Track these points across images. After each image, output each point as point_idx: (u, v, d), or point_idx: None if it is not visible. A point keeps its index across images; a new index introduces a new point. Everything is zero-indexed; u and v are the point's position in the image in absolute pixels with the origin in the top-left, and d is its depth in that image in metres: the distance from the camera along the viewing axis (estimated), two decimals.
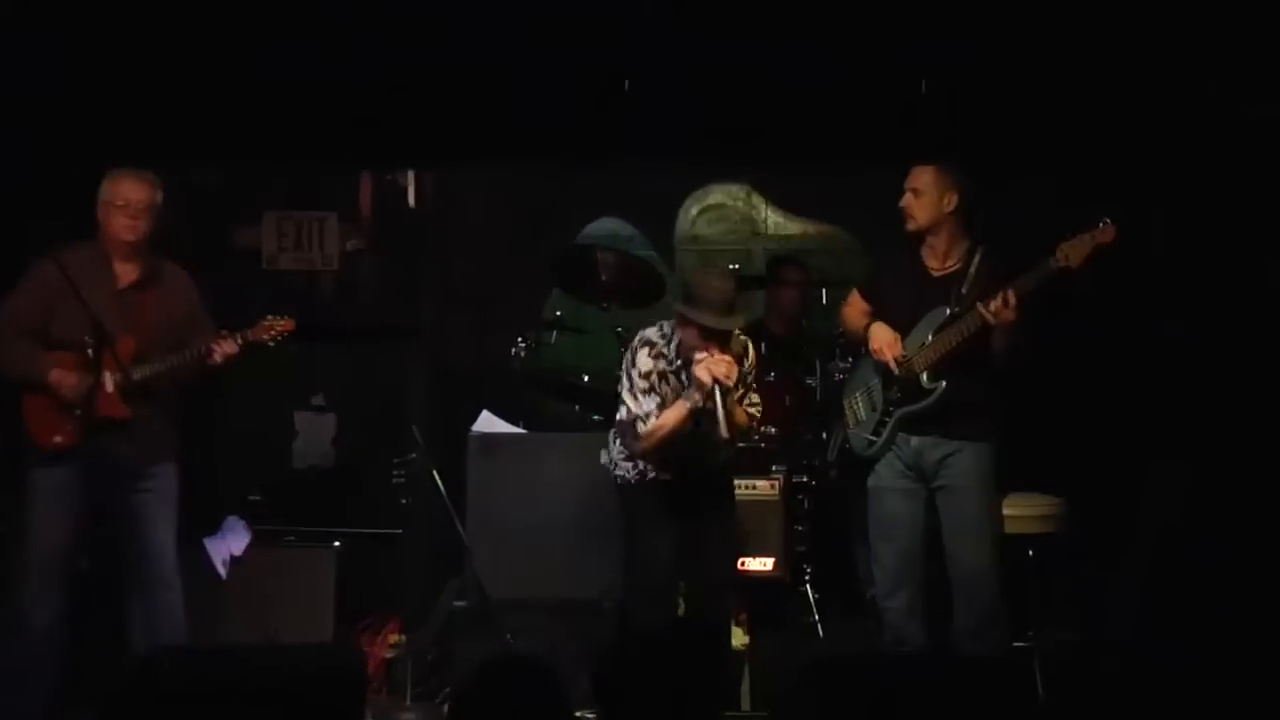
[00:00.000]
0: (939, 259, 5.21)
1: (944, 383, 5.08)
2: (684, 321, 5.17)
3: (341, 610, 5.89)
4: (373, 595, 6.13)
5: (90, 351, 4.97)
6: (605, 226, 8.13)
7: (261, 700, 3.46)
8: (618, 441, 5.33)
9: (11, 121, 5.77)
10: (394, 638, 5.89)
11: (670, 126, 6.15)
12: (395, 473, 6.69)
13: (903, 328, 5.18)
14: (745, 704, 5.54)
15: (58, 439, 5.03)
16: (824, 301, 6.92)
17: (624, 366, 5.28)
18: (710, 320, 5.09)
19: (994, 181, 5.63)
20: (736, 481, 5.63)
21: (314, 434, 7.06)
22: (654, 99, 6.08)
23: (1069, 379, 6.08)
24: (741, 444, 5.63)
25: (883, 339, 5.18)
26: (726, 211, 8.55)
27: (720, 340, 5.12)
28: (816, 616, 6.27)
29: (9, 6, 5.66)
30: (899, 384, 5.17)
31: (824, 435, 6.17)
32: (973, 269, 5.13)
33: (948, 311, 5.10)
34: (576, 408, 6.66)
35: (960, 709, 3.52)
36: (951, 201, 5.16)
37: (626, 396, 5.22)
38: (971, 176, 5.21)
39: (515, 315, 7.24)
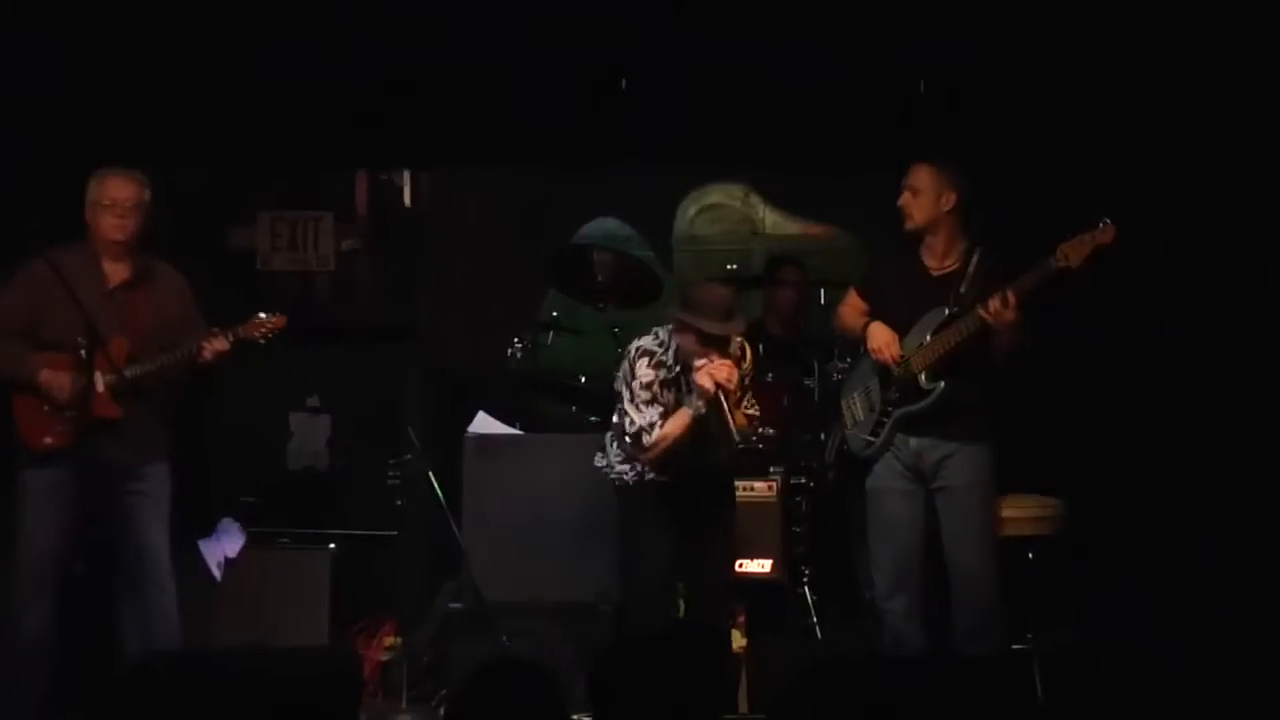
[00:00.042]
0: (937, 259, 5.19)
1: (942, 383, 5.06)
2: (682, 327, 5.13)
3: (336, 612, 5.87)
4: (368, 597, 6.10)
5: (83, 352, 4.94)
6: (603, 226, 8.12)
7: (256, 704, 3.45)
8: (614, 445, 5.30)
9: (11, 121, 5.75)
10: (389, 640, 5.86)
11: (668, 126, 6.16)
12: (391, 474, 6.66)
13: (901, 328, 5.16)
14: (743, 706, 5.50)
15: (48, 440, 5.00)
16: (822, 302, 6.89)
17: (622, 378, 5.24)
18: (710, 326, 5.06)
19: (993, 181, 5.63)
20: (734, 483, 5.59)
21: (309, 435, 7.02)
22: (652, 98, 6.08)
23: (1068, 379, 6.07)
24: (739, 445, 5.60)
25: (881, 339, 5.16)
26: (725, 211, 8.54)
27: (719, 346, 5.09)
28: (815, 618, 6.23)
29: (8, 6, 5.64)
30: (897, 384, 5.15)
31: (822, 436, 6.16)
32: (971, 269, 5.12)
33: (946, 311, 5.08)
34: (573, 408, 6.64)
35: (959, 710, 3.53)
36: (949, 201, 5.14)
37: (629, 408, 5.17)
38: (970, 176, 5.19)
39: (512, 316, 7.24)
